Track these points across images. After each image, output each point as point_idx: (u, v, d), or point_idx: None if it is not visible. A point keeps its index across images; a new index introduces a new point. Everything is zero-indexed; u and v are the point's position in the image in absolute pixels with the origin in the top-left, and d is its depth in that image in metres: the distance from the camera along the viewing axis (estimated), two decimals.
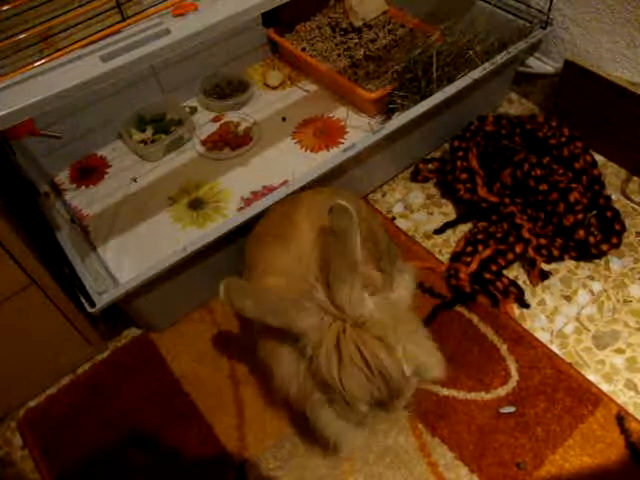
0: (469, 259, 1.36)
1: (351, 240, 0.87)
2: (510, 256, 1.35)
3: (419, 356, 0.91)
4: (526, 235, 1.36)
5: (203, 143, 1.59)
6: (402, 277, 1.19)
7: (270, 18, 1.74)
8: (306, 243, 1.00)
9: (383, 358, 0.84)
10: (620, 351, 1.24)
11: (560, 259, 1.38)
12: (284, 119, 1.65)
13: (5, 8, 1.01)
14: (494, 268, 1.34)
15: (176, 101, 1.65)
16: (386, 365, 0.84)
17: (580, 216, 1.35)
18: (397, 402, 0.90)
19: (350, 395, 0.86)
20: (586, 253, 1.37)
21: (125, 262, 1.34)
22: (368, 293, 0.91)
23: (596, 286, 1.35)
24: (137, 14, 0.92)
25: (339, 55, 1.73)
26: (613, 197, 1.46)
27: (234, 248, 1.26)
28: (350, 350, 0.85)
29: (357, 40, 1.78)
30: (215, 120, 1.66)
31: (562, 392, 1.18)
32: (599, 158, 1.57)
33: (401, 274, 1.19)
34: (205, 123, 1.65)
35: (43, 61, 0.85)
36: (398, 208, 1.54)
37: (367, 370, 0.84)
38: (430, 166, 1.59)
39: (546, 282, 1.36)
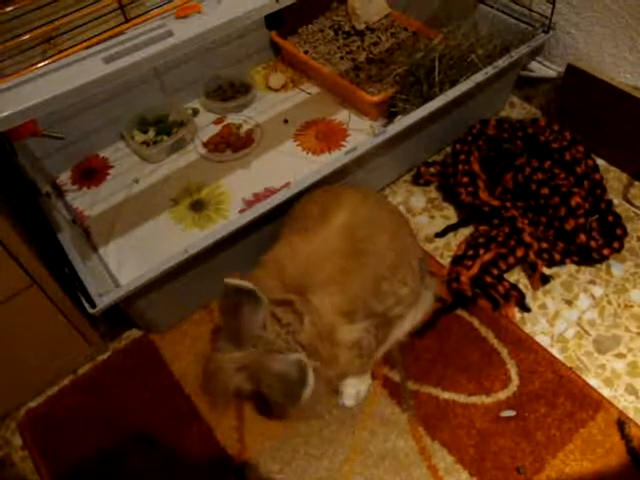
0: (470, 263, 1.35)
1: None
2: (511, 260, 1.35)
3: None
4: (527, 239, 1.35)
5: (205, 145, 1.59)
6: (425, 296, 1.21)
7: (273, 21, 1.74)
8: (329, 240, 1.01)
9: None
10: (621, 356, 1.24)
11: (561, 263, 1.38)
12: (286, 121, 1.65)
13: (9, 9, 1.02)
14: (495, 272, 1.34)
15: (178, 103, 1.65)
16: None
17: (581, 220, 1.35)
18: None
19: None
20: (587, 257, 1.36)
21: (126, 263, 1.34)
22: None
23: (597, 290, 1.35)
24: (140, 16, 0.92)
25: (341, 58, 1.74)
26: (615, 202, 1.45)
27: (235, 250, 1.26)
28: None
29: (359, 43, 1.78)
30: (217, 122, 1.66)
31: (563, 396, 1.18)
32: (601, 162, 1.57)
33: (426, 292, 1.21)
34: (207, 125, 1.65)
35: (46, 62, 0.85)
36: None
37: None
38: (432, 169, 1.59)
39: (547, 286, 1.36)
